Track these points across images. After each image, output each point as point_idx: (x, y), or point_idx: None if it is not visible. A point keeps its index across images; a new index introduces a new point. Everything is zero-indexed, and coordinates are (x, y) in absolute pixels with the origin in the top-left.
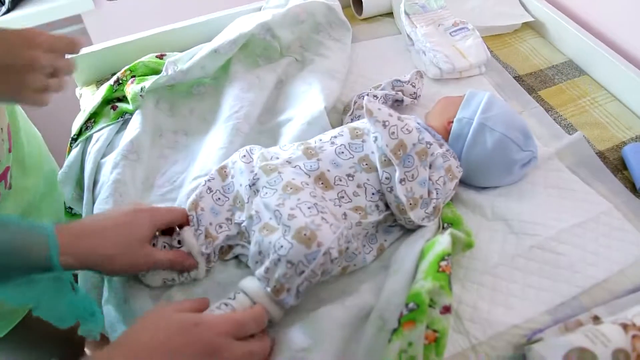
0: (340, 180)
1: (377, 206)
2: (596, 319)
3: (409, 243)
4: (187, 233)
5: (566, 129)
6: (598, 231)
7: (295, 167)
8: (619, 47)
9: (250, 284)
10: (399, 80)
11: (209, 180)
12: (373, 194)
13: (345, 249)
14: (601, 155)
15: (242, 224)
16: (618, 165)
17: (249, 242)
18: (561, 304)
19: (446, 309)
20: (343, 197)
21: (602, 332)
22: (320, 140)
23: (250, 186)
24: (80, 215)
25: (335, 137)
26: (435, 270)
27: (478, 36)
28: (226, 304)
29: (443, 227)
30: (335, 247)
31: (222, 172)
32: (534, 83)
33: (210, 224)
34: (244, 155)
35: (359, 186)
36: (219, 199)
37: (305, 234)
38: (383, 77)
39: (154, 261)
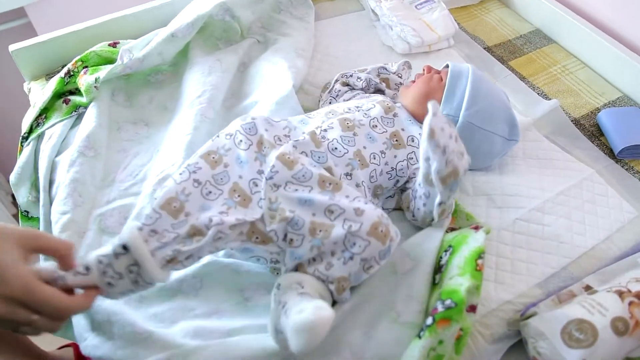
0: (342, 179)
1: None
2: (589, 289)
3: (425, 234)
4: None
5: (540, 98)
6: (582, 198)
7: (302, 153)
8: (586, 13)
9: (309, 280)
10: (386, 69)
11: (194, 171)
12: (366, 195)
13: None
14: (577, 122)
15: (270, 231)
16: (594, 132)
17: (277, 247)
18: (551, 276)
19: (472, 308)
20: (348, 196)
21: (598, 301)
22: (314, 128)
23: (267, 179)
24: (37, 220)
25: (325, 130)
26: (474, 268)
27: (444, 8)
28: (303, 294)
29: None
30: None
31: (210, 159)
32: (503, 54)
33: (197, 219)
34: (241, 141)
35: (357, 185)
36: (210, 192)
37: (381, 230)
38: (350, 55)
39: (28, 288)
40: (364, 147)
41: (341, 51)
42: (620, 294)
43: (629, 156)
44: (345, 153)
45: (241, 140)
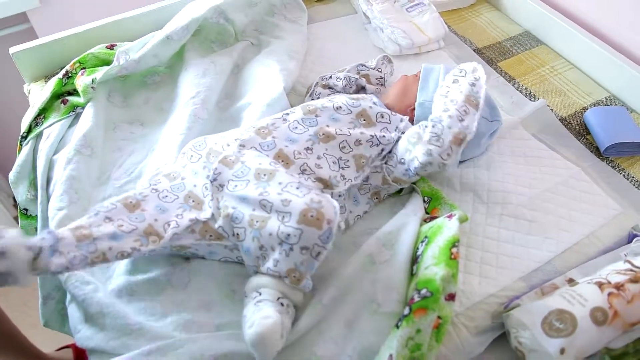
0: (300, 154)
1: (342, 176)
2: (571, 281)
3: (399, 223)
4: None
5: (528, 98)
6: (568, 195)
7: (251, 148)
8: (574, 16)
9: (266, 281)
10: (364, 66)
11: (155, 184)
12: (334, 162)
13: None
14: (564, 121)
15: (219, 227)
16: (581, 131)
17: (231, 242)
18: (535, 270)
19: (451, 297)
20: (306, 170)
21: (578, 292)
22: (271, 118)
23: (212, 181)
24: (35, 218)
25: (287, 114)
26: (448, 257)
27: (434, 11)
28: (259, 301)
29: (424, 201)
30: (340, 218)
31: (170, 176)
32: (493, 55)
33: (156, 220)
34: (192, 156)
35: (319, 157)
36: (167, 196)
37: (312, 215)
38: (342, 57)
39: None
40: (327, 125)
41: (333, 53)
42: (600, 285)
43: (614, 154)
44: (305, 131)
45: (192, 156)
